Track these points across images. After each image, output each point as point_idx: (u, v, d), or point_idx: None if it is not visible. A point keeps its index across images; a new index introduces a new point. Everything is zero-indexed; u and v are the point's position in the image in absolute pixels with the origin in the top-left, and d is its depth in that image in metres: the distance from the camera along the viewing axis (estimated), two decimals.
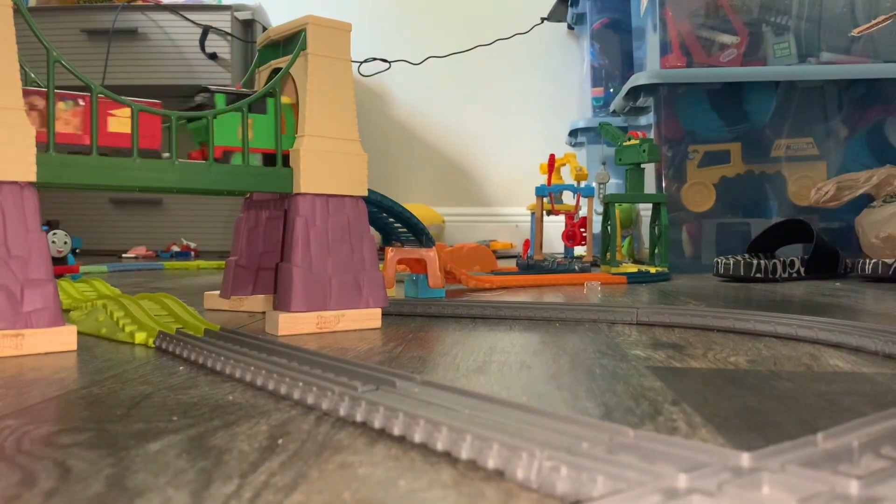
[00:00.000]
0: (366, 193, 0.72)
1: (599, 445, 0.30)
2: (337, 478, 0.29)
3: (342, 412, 0.38)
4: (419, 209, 2.45)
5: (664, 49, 1.66)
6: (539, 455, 0.28)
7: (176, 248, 2.28)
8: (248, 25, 2.35)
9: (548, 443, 0.29)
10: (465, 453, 0.31)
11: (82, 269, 1.42)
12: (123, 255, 2.23)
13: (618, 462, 0.27)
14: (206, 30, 2.23)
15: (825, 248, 1.40)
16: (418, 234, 0.88)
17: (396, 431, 0.34)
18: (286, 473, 0.29)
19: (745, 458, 0.27)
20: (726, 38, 1.65)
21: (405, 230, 0.89)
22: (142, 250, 2.28)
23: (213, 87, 0.67)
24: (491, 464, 0.29)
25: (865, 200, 1.43)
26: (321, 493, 0.27)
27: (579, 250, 1.86)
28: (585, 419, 0.32)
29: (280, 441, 0.34)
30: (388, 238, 0.92)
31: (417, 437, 0.33)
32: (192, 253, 2.29)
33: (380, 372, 0.43)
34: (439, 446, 0.32)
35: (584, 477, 0.26)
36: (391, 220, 0.87)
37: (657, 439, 0.30)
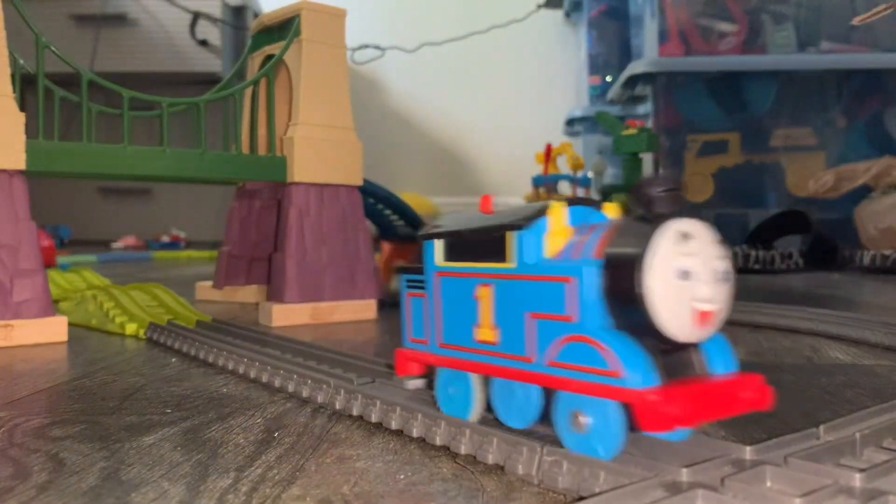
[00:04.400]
0: (361, 183, 0.71)
1: None
2: (335, 471, 0.28)
3: (338, 405, 0.37)
4: (413, 198, 2.44)
5: (663, 37, 1.65)
6: (539, 450, 0.28)
7: (165, 238, 2.27)
8: (238, 11, 2.32)
9: (547, 437, 0.29)
10: (464, 448, 0.30)
11: (69, 259, 1.41)
12: (112, 245, 2.22)
13: (619, 457, 0.27)
14: (196, 16, 2.21)
15: (823, 240, 1.39)
16: (414, 226, 0.88)
17: (394, 425, 0.34)
18: (283, 467, 0.29)
19: (748, 452, 0.26)
20: (725, 27, 1.64)
21: (402, 222, 0.88)
22: (131, 240, 2.26)
23: None
24: (491, 458, 0.29)
25: (864, 191, 1.43)
26: (319, 487, 0.26)
27: None
28: None
29: (276, 434, 0.33)
30: (385, 231, 0.91)
31: (416, 432, 0.33)
32: (182, 243, 2.27)
33: (376, 364, 0.42)
34: (438, 440, 0.31)
35: (587, 472, 0.26)
36: (387, 211, 0.86)
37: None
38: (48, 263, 0.93)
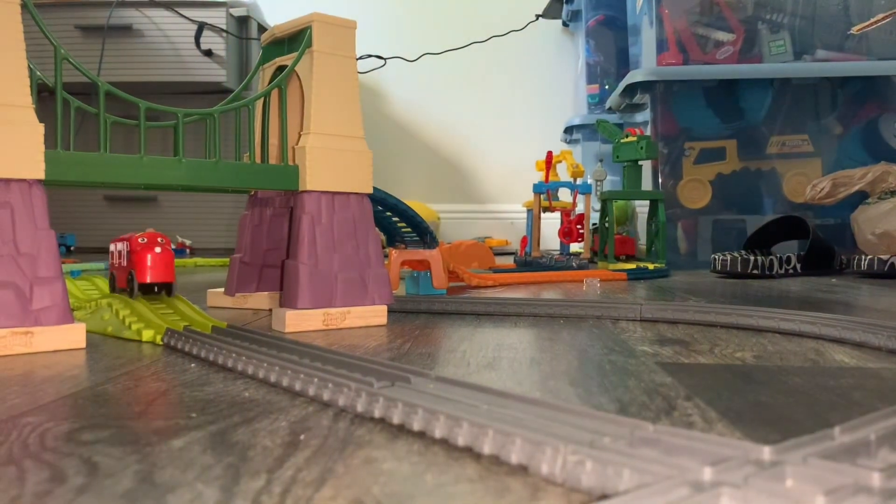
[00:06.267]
0: (371, 191, 0.72)
1: (621, 440, 0.30)
2: (363, 472, 0.29)
3: (360, 408, 0.38)
4: (414, 206, 2.45)
5: (660, 46, 1.67)
6: (563, 450, 0.28)
7: (171, 246, 2.27)
8: (243, 22, 2.34)
9: (569, 437, 0.30)
10: (487, 448, 0.31)
11: (79, 266, 1.41)
12: None
13: (641, 456, 0.27)
14: (201, 26, 2.22)
15: (821, 245, 1.41)
16: (422, 233, 0.89)
17: (416, 427, 0.34)
18: (312, 468, 0.29)
19: (767, 452, 0.27)
20: (722, 36, 1.65)
21: (409, 229, 0.89)
22: None
23: None
24: (514, 458, 0.30)
25: (860, 197, 1.45)
26: (350, 488, 0.27)
27: (574, 247, 1.86)
28: (604, 414, 0.33)
29: (302, 437, 0.34)
30: (392, 238, 0.92)
31: (438, 433, 0.33)
32: (187, 250, 2.28)
33: (393, 368, 0.43)
34: (461, 441, 0.32)
35: (610, 471, 0.27)
36: (395, 219, 0.87)
37: (677, 433, 0.30)
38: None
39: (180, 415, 0.38)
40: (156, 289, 0.68)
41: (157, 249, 0.68)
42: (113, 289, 0.75)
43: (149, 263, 0.67)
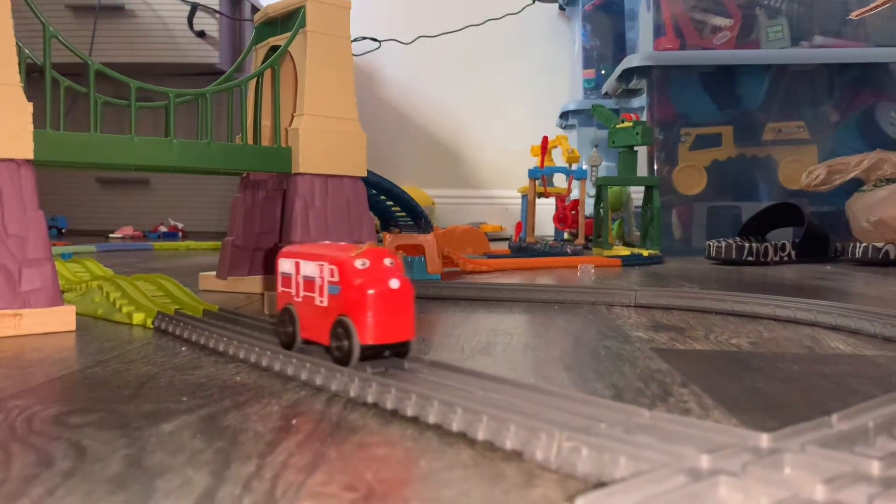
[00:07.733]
0: (365, 174, 0.72)
1: (617, 426, 0.30)
2: (356, 458, 0.29)
3: (353, 393, 0.38)
4: (409, 190, 2.44)
5: (657, 31, 1.66)
6: (558, 436, 0.28)
7: (163, 229, 2.26)
8: (236, 3, 2.31)
9: (565, 424, 0.29)
10: (481, 434, 0.31)
11: (70, 249, 1.40)
12: (110, 235, 2.21)
13: (638, 443, 0.27)
14: (194, 7, 2.19)
15: (816, 232, 1.41)
16: (417, 217, 0.88)
17: (410, 412, 0.34)
18: (304, 453, 0.29)
19: (765, 439, 0.27)
20: (720, 21, 1.64)
21: (403, 214, 0.88)
22: (129, 230, 2.26)
23: None
24: (509, 444, 0.29)
25: (856, 185, 1.44)
26: (343, 474, 0.27)
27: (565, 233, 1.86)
28: (600, 400, 0.33)
29: (294, 422, 0.33)
30: (387, 222, 0.92)
31: (432, 418, 0.33)
32: (180, 233, 2.27)
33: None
34: (455, 427, 0.32)
35: (606, 458, 0.26)
36: (390, 203, 0.87)
37: (674, 420, 0.30)
38: None
39: (170, 399, 0.37)
40: (386, 353, 0.40)
41: (394, 283, 0.38)
42: (290, 339, 0.43)
43: (376, 313, 0.38)
